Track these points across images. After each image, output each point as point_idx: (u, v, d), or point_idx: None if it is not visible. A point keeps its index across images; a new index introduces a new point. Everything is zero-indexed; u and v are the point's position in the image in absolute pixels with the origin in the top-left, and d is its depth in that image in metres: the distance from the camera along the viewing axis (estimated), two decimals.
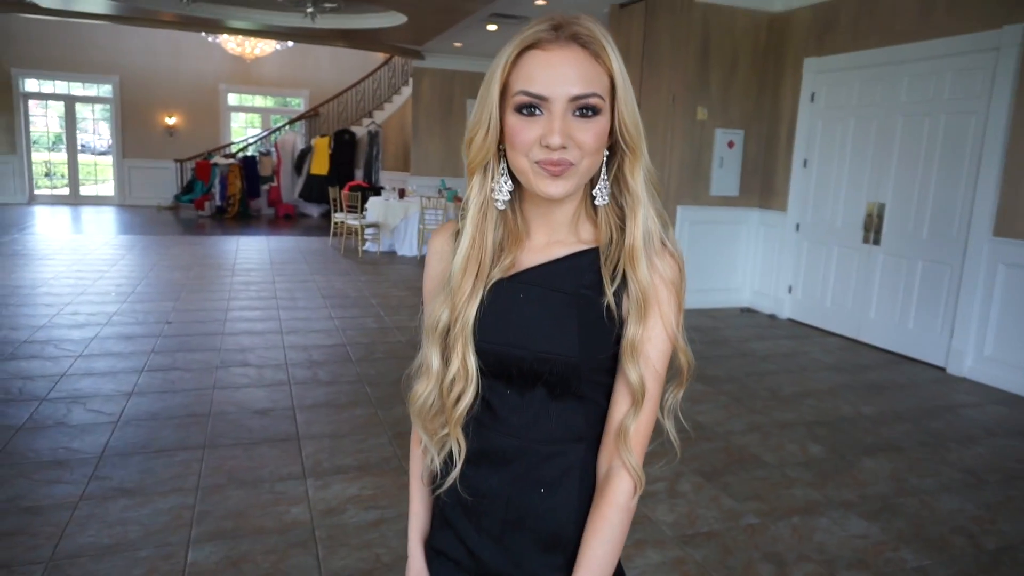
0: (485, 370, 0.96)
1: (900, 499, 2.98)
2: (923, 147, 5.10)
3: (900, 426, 3.83)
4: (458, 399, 0.95)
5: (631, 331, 0.92)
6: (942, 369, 4.93)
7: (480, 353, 0.95)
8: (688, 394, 4.19)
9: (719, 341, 5.50)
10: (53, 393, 3.76)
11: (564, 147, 0.88)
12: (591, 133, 0.89)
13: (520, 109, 0.89)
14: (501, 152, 0.95)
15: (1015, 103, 4.45)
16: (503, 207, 0.97)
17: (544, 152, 0.89)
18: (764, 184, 6.65)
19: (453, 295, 0.96)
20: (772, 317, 6.47)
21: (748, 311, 6.69)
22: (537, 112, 0.89)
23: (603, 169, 0.96)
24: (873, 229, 5.51)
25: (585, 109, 0.89)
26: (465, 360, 0.94)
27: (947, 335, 4.92)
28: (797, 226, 6.29)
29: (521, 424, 0.96)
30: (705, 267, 6.58)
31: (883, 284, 5.46)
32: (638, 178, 0.96)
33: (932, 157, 5.03)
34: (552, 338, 0.93)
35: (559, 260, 0.97)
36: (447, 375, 0.96)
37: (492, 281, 0.96)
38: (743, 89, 6.48)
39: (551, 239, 0.99)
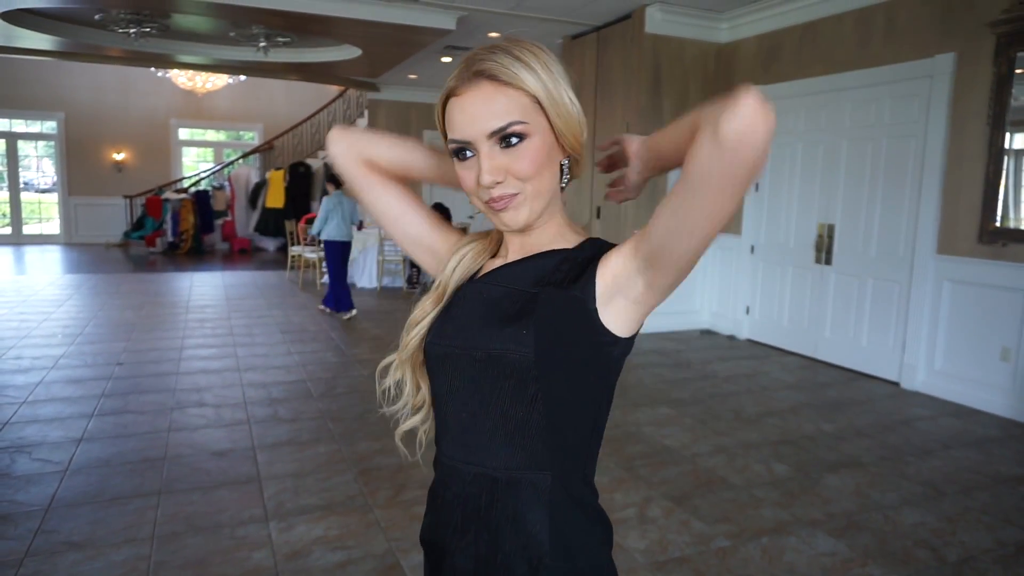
0: (445, 371, 0.96)
1: (864, 515, 3.02)
2: (868, 170, 5.29)
3: (860, 442, 3.91)
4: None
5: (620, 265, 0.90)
6: (896, 384, 5.06)
7: (431, 355, 0.98)
8: (654, 418, 4.21)
9: (681, 364, 5.55)
10: None
11: (499, 182, 0.89)
12: (524, 160, 0.89)
13: (456, 155, 0.92)
14: None
15: (950, 127, 4.66)
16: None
17: (485, 193, 0.91)
18: None
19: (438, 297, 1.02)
20: (731, 338, 6.57)
21: (708, 333, 6.78)
22: (469, 154, 0.91)
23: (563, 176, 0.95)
24: (824, 249, 5.67)
25: (509, 138, 0.88)
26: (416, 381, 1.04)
27: (899, 350, 5.07)
28: (752, 248, 6.43)
29: (481, 438, 0.92)
30: None
31: (836, 303, 5.60)
32: (584, 170, 1.00)
33: (877, 179, 5.22)
34: (505, 335, 0.89)
35: (523, 260, 0.98)
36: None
37: (454, 287, 1.01)
38: None
39: (526, 250, 1.00)
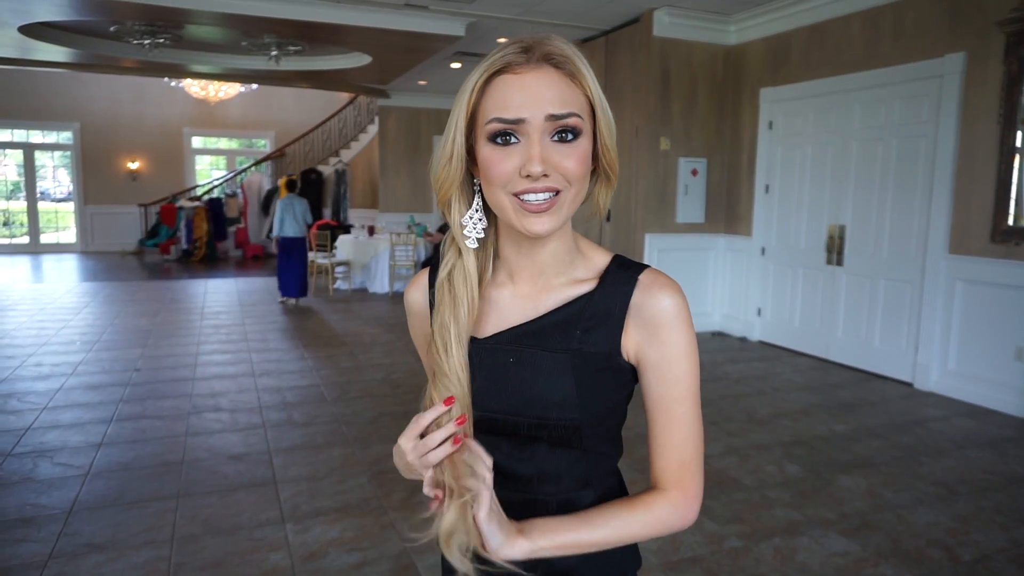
0: (481, 429, 0.90)
1: (877, 515, 3.02)
2: (878, 170, 5.28)
3: (873, 442, 3.90)
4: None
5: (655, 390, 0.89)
6: (909, 384, 5.04)
7: (474, 420, 0.89)
8: None
9: None
10: (18, 448, 3.65)
11: (546, 175, 0.81)
12: (574, 158, 0.82)
13: (494, 138, 0.82)
14: (477, 188, 0.89)
15: (961, 127, 4.66)
16: (474, 245, 0.89)
17: (524, 182, 0.82)
18: (729, 210, 6.81)
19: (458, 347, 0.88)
20: (743, 340, 6.56)
21: (719, 335, 6.78)
22: (513, 140, 0.82)
23: None
24: (835, 250, 5.67)
25: (564, 132, 0.82)
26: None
27: (912, 351, 5.05)
28: (763, 250, 6.43)
29: (524, 477, 0.90)
30: None
31: (848, 303, 5.59)
32: (608, 203, 0.93)
33: (887, 180, 5.22)
34: (550, 402, 0.87)
35: (549, 314, 0.90)
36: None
37: (473, 339, 0.90)
38: (704, 119, 6.67)
39: (539, 284, 0.92)
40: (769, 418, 4.30)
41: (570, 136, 0.83)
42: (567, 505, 0.91)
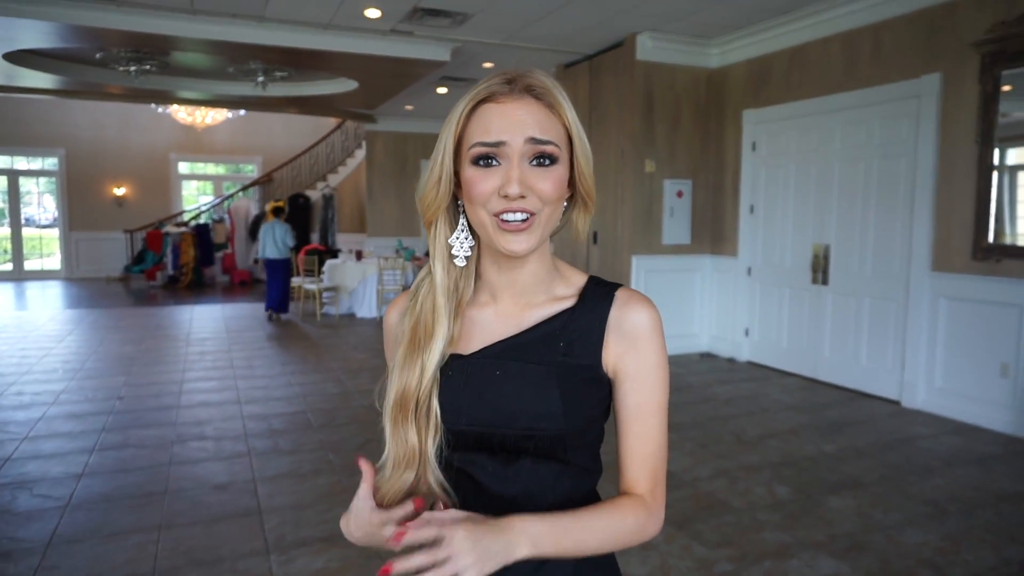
0: (466, 445, 0.92)
1: (867, 536, 3.01)
2: (860, 189, 5.34)
3: (862, 462, 3.90)
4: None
5: (630, 398, 0.93)
6: (897, 403, 5.05)
7: (460, 434, 0.92)
8: None
9: (682, 387, 5.55)
10: None
11: (523, 196, 0.87)
12: (550, 181, 0.88)
13: (477, 161, 0.88)
14: (461, 208, 0.94)
15: (940, 146, 4.73)
16: (463, 263, 0.95)
17: (503, 202, 0.87)
18: (714, 231, 6.85)
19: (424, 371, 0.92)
20: (731, 361, 6.57)
21: (707, 356, 6.79)
22: (494, 163, 0.88)
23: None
24: (821, 270, 5.71)
25: (543, 158, 0.88)
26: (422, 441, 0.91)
27: (899, 369, 5.07)
28: (749, 270, 6.47)
29: (508, 496, 0.91)
30: (662, 314, 6.63)
31: (834, 322, 5.62)
32: (586, 228, 0.97)
33: (869, 199, 5.27)
34: (536, 413, 0.90)
35: (533, 328, 0.94)
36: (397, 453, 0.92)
37: (451, 354, 0.93)
38: (688, 141, 6.73)
39: (520, 302, 0.96)
40: (758, 439, 4.29)
41: (547, 162, 0.89)
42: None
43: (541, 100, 0.90)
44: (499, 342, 0.94)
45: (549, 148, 0.88)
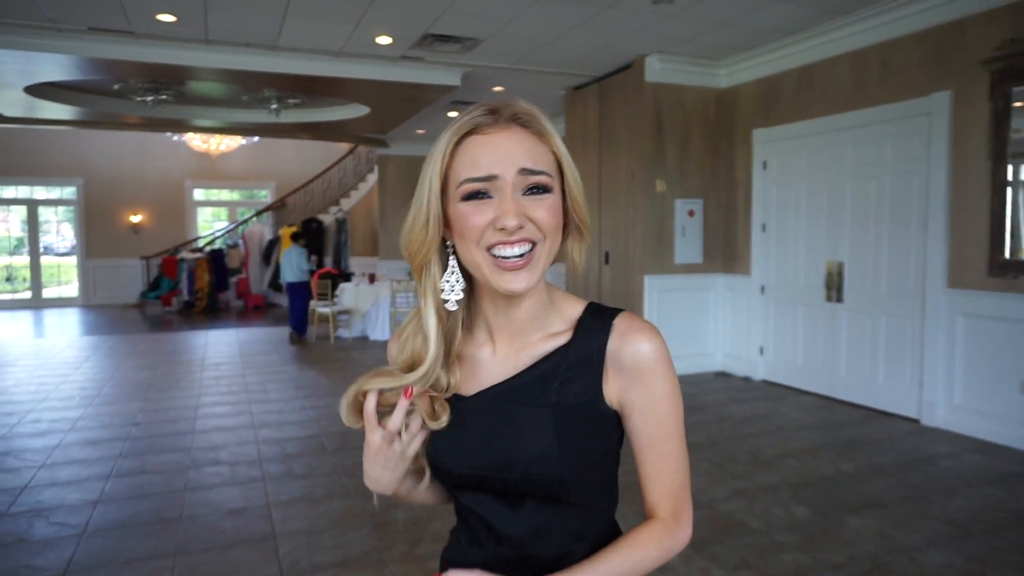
0: (470, 487, 0.92)
1: (889, 557, 2.96)
2: (873, 207, 5.32)
3: (881, 481, 3.84)
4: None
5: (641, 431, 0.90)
6: (916, 421, 4.99)
7: (461, 477, 0.91)
8: None
9: (696, 407, 5.51)
10: (14, 507, 3.59)
11: (520, 227, 0.83)
12: (545, 209, 0.85)
13: (468, 197, 0.84)
14: (450, 249, 0.90)
15: (952, 163, 4.71)
16: (455, 307, 0.91)
17: (499, 235, 0.83)
18: (727, 249, 6.84)
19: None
20: (746, 379, 6.52)
21: (722, 375, 6.74)
22: (487, 196, 0.84)
23: None
24: (835, 287, 5.67)
25: (536, 188, 0.85)
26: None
27: (917, 387, 5.01)
28: (762, 288, 6.44)
29: (517, 536, 0.90)
30: (676, 334, 6.66)
31: (850, 340, 5.57)
32: (582, 259, 0.94)
33: (882, 216, 5.25)
34: (532, 457, 0.87)
35: (527, 370, 0.91)
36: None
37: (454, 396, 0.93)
38: (698, 160, 6.75)
39: (517, 342, 0.93)
40: (775, 459, 4.25)
41: (541, 191, 0.85)
42: (562, 560, 0.90)
43: (529, 128, 0.87)
44: (495, 385, 0.92)
45: (542, 178, 0.85)
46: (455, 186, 0.85)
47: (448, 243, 0.90)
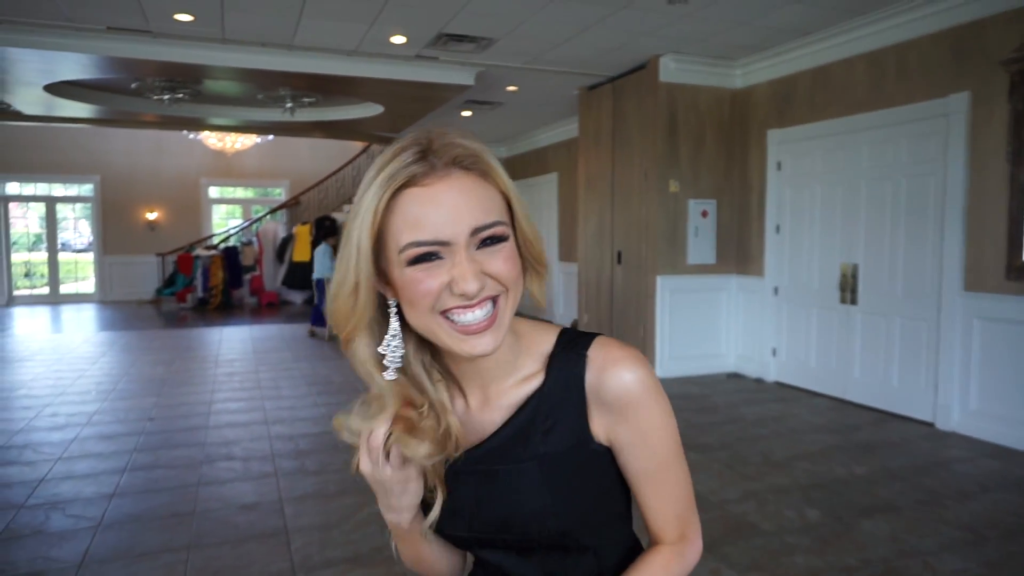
0: (477, 544, 0.89)
1: (902, 561, 2.94)
2: (888, 209, 5.28)
3: (895, 485, 3.81)
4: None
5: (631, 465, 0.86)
6: (930, 424, 4.94)
7: (464, 540, 0.88)
8: None
9: (708, 408, 5.49)
10: (31, 500, 3.64)
11: (482, 287, 0.75)
12: (503, 261, 0.76)
13: (415, 262, 0.74)
14: (392, 308, 0.80)
15: (970, 165, 4.66)
16: (393, 376, 0.80)
17: (458, 299, 0.74)
18: (740, 251, 6.81)
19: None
20: (759, 381, 6.49)
21: (734, 376, 6.71)
22: (437, 258, 0.74)
23: None
24: (849, 289, 5.63)
25: (490, 239, 0.75)
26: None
27: (932, 390, 4.97)
28: (775, 290, 6.40)
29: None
30: (688, 334, 6.65)
31: (864, 343, 5.53)
32: (543, 293, 0.85)
33: (898, 218, 5.21)
34: (527, 516, 0.83)
35: (506, 425, 0.85)
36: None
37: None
38: (712, 161, 6.73)
39: (490, 392, 0.86)
40: (787, 461, 4.22)
41: (496, 241, 0.76)
42: None
43: (472, 170, 0.76)
44: (477, 447, 0.85)
45: (497, 229, 0.75)
46: (396, 251, 0.74)
47: (389, 302, 0.80)
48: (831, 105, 5.71)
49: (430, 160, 0.75)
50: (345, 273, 0.76)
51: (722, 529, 3.25)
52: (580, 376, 0.83)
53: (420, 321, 0.77)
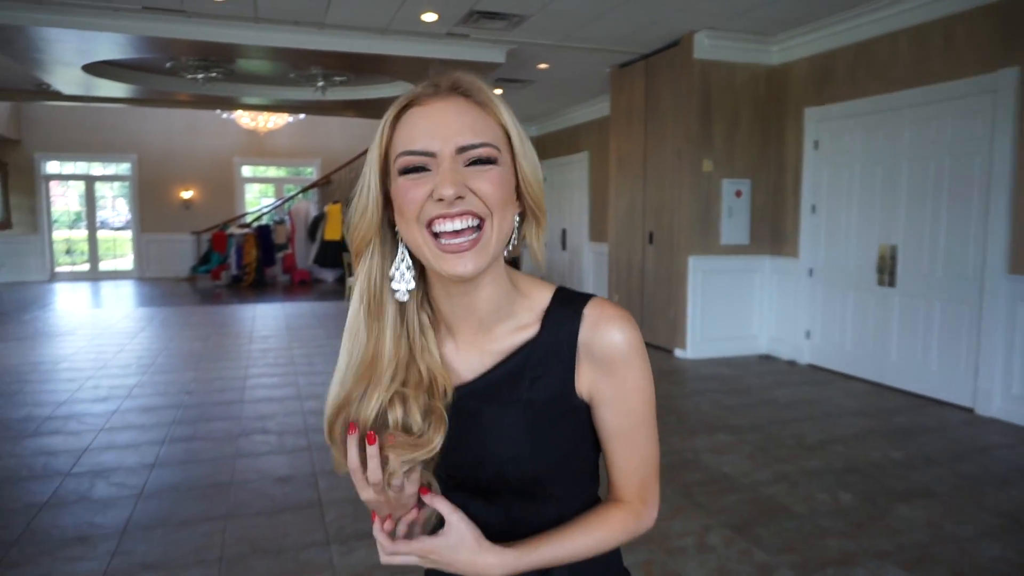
0: (445, 484, 0.91)
1: (938, 547, 2.89)
2: (930, 189, 5.14)
3: (932, 470, 3.75)
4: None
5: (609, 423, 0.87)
6: (970, 410, 4.84)
7: (433, 477, 0.89)
8: (712, 445, 4.14)
9: (740, 390, 5.44)
10: (76, 468, 3.77)
11: (461, 197, 0.76)
12: (489, 181, 0.78)
13: (405, 172, 0.78)
14: (398, 236, 0.83)
15: (1018, 143, 4.51)
16: (405, 298, 0.83)
17: (438, 207, 0.77)
18: (774, 231, 6.69)
19: (346, 402, 0.85)
20: (791, 363, 6.41)
21: (767, 358, 6.64)
22: (425, 170, 0.78)
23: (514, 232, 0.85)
24: (887, 271, 5.51)
25: (478, 161, 0.78)
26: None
27: (972, 375, 4.86)
28: (810, 271, 6.29)
29: (499, 528, 0.88)
30: (720, 316, 6.58)
31: (902, 326, 5.42)
32: (542, 246, 0.87)
33: (940, 198, 5.07)
34: (504, 457, 0.85)
35: (496, 368, 0.87)
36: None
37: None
38: (747, 140, 6.60)
39: (481, 335, 0.88)
40: (820, 444, 4.18)
41: (484, 163, 0.78)
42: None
43: (471, 98, 0.81)
44: (464, 384, 0.87)
45: (485, 151, 0.78)
46: (393, 160, 0.80)
47: (397, 229, 0.83)
48: (873, 82, 5.56)
49: (436, 87, 0.81)
50: (360, 193, 0.82)
51: (752, 511, 3.24)
52: (574, 331, 0.85)
53: (409, 234, 0.80)
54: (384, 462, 0.82)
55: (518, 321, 0.87)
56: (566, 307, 0.86)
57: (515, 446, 0.84)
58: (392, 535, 0.88)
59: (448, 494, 0.89)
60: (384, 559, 0.86)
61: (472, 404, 0.86)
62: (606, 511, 0.89)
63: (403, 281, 0.83)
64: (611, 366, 0.84)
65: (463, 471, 0.88)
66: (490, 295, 0.85)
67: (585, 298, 0.87)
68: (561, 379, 0.85)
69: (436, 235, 0.78)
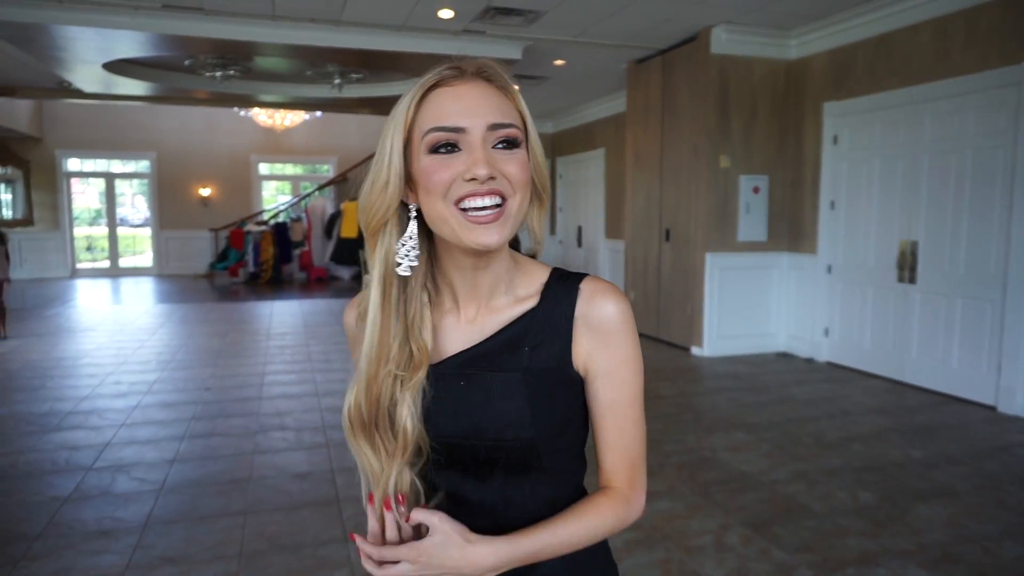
0: (438, 462, 0.91)
1: (960, 547, 2.86)
2: (952, 184, 5.07)
3: (953, 469, 3.70)
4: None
5: (601, 396, 0.90)
6: (992, 408, 4.78)
7: (432, 448, 0.90)
8: (729, 443, 4.11)
9: (758, 388, 5.41)
10: (98, 462, 3.82)
11: (492, 178, 0.81)
12: (516, 164, 0.83)
13: (436, 149, 0.82)
14: (411, 212, 0.87)
15: None
16: (407, 272, 0.87)
17: (469, 186, 0.81)
18: (792, 228, 6.64)
19: (368, 387, 0.88)
20: (810, 361, 6.35)
21: (784, 356, 6.58)
22: (455, 149, 0.82)
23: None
24: (908, 267, 5.45)
25: (505, 142, 0.83)
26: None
27: (995, 373, 4.79)
28: (829, 268, 6.23)
29: (489, 505, 0.90)
30: (737, 313, 6.53)
31: (923, 323, 5.35)
32: (542, 228, 0.92)
33: (962, 193, 5.00)
34: (504, 423, 0.86)
35: (496, 335, 0.90)
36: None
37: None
38: (765, 135, 6.54)
39: (483, 307, 0.92)
40: (839, 442, 4.14)
41: (511, 146, 0.83)
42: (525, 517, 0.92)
43: (493, 83, 0.85)
44: (463, 351, 0.90)
45: (512, 131, 0.83)
46: (420, 137, 0.82)
47: (409, 206, 0.87)
48: (893, 75, 5.48)
49: (460, 70, 0.84)
50: (378, 170, 0.85)
51: (771, 509, 3.22)
52: (572, 304, 0.89)
53: (434, 210, 0.83)
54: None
55: (519, 294, 0.92)
56: (564, 282, 0.92)
57: (516, 410, 0.86)
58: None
59: (441, 473, 0.91)
60: (368, 566, 0.86)
61: (472, 370, 0.89)
62: (597, 499, 0.92)
63: (407, 258, 0.87)
64: (606, 336, 0.88)
65: (460, 439, 0.89)
66: (495, 268, 0.90)
67: (581, 276, 0.92)
68: (559, 350, 0.89)
69: (463, 210, 0.82)
